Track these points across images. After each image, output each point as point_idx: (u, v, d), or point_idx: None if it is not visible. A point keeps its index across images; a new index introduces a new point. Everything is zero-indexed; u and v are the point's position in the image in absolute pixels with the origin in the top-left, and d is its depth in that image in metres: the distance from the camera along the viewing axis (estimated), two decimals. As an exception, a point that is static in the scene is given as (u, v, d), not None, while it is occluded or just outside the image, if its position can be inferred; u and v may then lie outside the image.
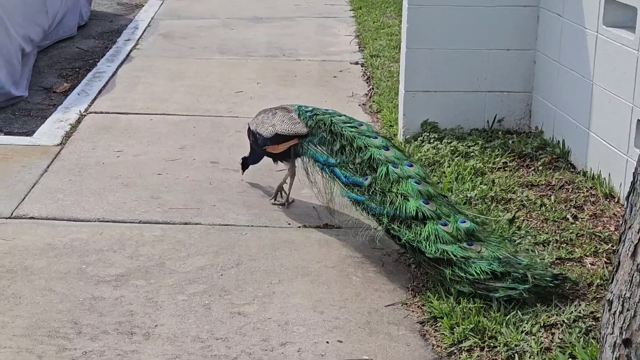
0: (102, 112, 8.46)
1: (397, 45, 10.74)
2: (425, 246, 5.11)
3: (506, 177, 6.57)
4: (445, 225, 5.18)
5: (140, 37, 11.63)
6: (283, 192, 6.47)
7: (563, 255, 5.45)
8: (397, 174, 5.46)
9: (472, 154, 6.95)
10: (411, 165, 5.56)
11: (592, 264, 5.36)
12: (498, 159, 6.87)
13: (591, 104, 6.48)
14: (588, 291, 5.08)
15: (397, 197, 5.33)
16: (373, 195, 5.44)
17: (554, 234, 5.72)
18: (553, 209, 6.07)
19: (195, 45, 11.23)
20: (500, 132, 7.39)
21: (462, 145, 7.07)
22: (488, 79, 7.43)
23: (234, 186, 6.80)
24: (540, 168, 6.76)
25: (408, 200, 5.30)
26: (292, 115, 6.12)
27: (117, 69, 10.02)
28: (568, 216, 5.96)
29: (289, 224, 6.19)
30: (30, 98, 9.17)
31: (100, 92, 9.15)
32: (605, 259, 5.39)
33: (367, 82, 9.67)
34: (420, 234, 5.15)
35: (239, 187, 6.79)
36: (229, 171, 7.07)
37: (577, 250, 5.52)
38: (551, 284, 4.94)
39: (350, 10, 13.49)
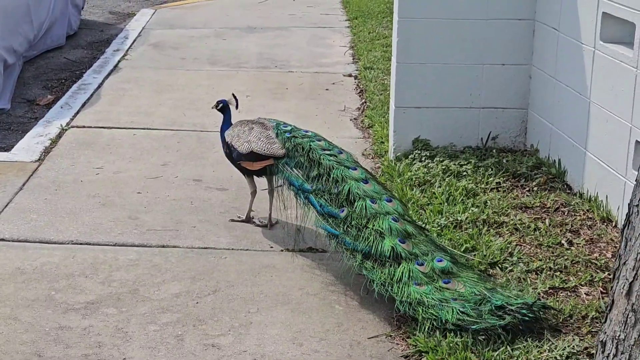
0: (84, 127, 8.20)
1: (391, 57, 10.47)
2: (397, 291, 4.88)
3: (499, 198, 6.29)
4: (421, 264, 4.95)
5: (129, 47, 11.36)
6: (253, 213, 6.25)
7: (557, 284, 5.18)
8: (374, 210, 5.21)
9: (464, 173, 6.68)
10: (390, 201, 5.31)
11: (587, 294, 5.09)
12: (491, 178, 6.59)
13: (588, 123, 6.21)
14: (582, 324, 4.80)
15: (373, 233, 5.10)
16: (348, 229, 5.20)
17: (547, 260, 5.45)
18: (547, 233, 5.79)
19: (185, 56, 10.97)
20: (494, 150, 7.12)
21: (454, 164, 6.80)
22: (482, 95, 7.16)
23: (216, 206, 6.53)
24: (535, 189, 6.48)
25: (384, 238, 5.06)
26: (270, 133, 5.85)
27: (103, 81, 9.76)
28: (563, 241, 5.68)
29: (272, 247, 5.92)
30: (13, 111, 8.92)
31: (84, 105, 8.88)
32: (601, 289, 5.12)
33: (359, 96, 9.40)
34: (394, 276, 4.92)
35: (221, 206, 6.52)
36: (211, 190, 6.81)
37: (571, 278, 5.24)
38: (528, 316, 4.66)
39: (346, 20, 13.24)
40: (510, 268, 5.37)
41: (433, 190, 6.46)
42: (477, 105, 7.18)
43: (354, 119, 8.66)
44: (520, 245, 5.66)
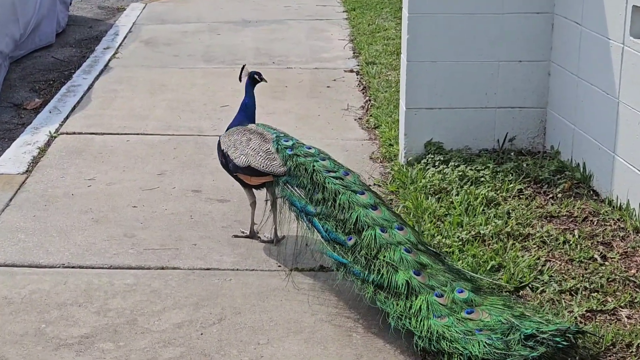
0: (74, 133, 7.73)
1: (394, 51, 10.04)
2: (415, 325, 4.44)
3: (522, 207, 5.86)
4: (440, 296, 4.50)
5: (120, 45, 10.89)
6: (267, 228, 5.79)
7: (594, 307, 4.74)
8: (384, 240, 4.77)
9: (482, 179, 6.24)
10: (401, 229, 4.86)
11: (628, 318, 4.65)
12: (512, 185, 6.16)
13: (617, 125, 5.77)
14: (627, 354, 4.37)
15: (385, 265, 4.66)
16: (357, 257, 4.78)
17: (581, 278, 5.01)
18: (578, 246, 5.36)
19: (178, 53, 10.50)
20: (512, 153, 6.68)
21: (471, 169, 6.36)
22: (498, 94, 6.71)
23: (218, 220, 6.08)
24: (560, 195, 6.05)
25: (397, 271, 4.62)
26: (269, 147, 5.40)
27: (93, 82, 9.29)
28: (596, 256, 5.25)
29: (280, 266, 5.48)
30: (-1, 116, 8.46)
31: (74, 108, 8.41)
32: (644, 311, 4.69)
33: (363, 93, 8.95)
34: (411, 309, 4.49)
35: (222, 220, 6.07)
36: (212, 201, 6.36)
37: (609, 299, 4.81)
38: (562, 344, 4.20)
39: (344, 11, 12.78)
40: (541, 288, 4.94)
41: (450, 199, 6.02)
42: (492, 105, 6.74)
43: (359, 118, 8.21)
44: (550, 261, 5.23)
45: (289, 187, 5.22)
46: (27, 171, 6.89)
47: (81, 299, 5.07)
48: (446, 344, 4.31)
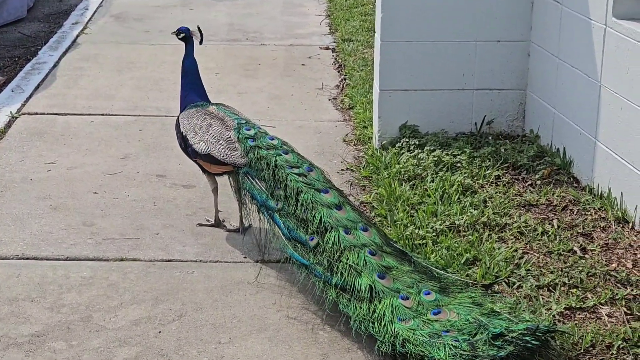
0: (36, 113, 7.43)
1: (371, 27, 9.73)
2: (378, 329, 4.20)
3: (499, 195, 5.61)
4: (405, 299, 4.27)
5: (89, 20, 10.56)
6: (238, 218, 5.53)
7: (573, 304, 4.51)
8: (348, 242, 4.53)
9: (458, 165, 6.00)
10: (366, 230, 4.61)
11: (609, 316, 4.42)
12: (489, 171, 5.91)
13: (599, 110, 5.52)
14: (607, 356, 4.13)
15: (347, 269, 4.42)
16: (319, 259, 4.54)
17: (560, 273, 4.77)
18: (557, 238, 5.12)
19: (150, 29, 10.19)
20: (490, 137, 6.43)
21: (447, 154, 6.10)
22: (475, 75, 6.46)
23: (182, 207, 5.82)
24: (539, 182, 5.81)
25: (360, 274, 4.39)
26: (230, 135, 5.14)
27: (59, 59, 8.97)
28: (575, 248, 5.01)
29: (245, 257, 5.22)
30: (-40, 95, 8.14)
31: (37, 87, 8.10)
32: (625, 309, 4.45)
33: (338, 71, 8.68)
34: (374, 313, 4.25)
35: (187, 207, 5.81)
36: (177, 187, 6.09)
37: (589, 296, 4.57)
38: (532, 343, 3.95)
39: (321, -15, 12.43)
40: (518, 283, 4.69)
41: (425, 186, 5.77)
42: (470, 87, 6.48)
43: (333, 98, 7.94)
44: (528, 254, 4.99)
45: (250, 178, 5.00)
46: (-16, 154, 6.60)
47: (34, 294, 4.81)
48: (411, 347, 4.08)
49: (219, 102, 5.59)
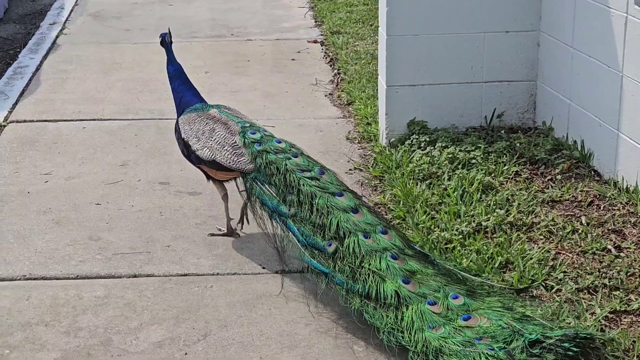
0: (25, 121, 7.14)
1: (359, 19, 9.56)
2: (408, 339, 3.99)
3: (522, 192, 5.41)
4: (433, 304, 4.07)
5: (67, 19, 10.26)
6: (241, 219, 5.35)
7: (617, 307, 4.32)
8: (368, 247, 4.32)
9: (474, 161, 5.79)
10: (385, 232, 4.41)
11: (657, 319, 4.24)
12: (507, 167, 5.71)
13: (621, 100, 5.34)
14: (662, 363, 3.96)
15: (371, 275, 4.22)
16: (339, 265, 4.33)
17: (598, 274, 4.59)
18: (588, 236, 4.94)
19: (130, 27, 9.90)
20: (502, 131, 6.23)
21: (461, 150, 5.90)
22: (484, 68, 6.26)
23: (190, 216, 5.58)
24: (559, 177, 5.62)
25: (384, 280, 4.18)
26: (236, 140, 4.94)
27: (41, 62, 8.67)
28: (609, 246, 4.83)
29: (264, 267, 4.99)
30: (-60, 103, 7.82)
31: (22, 93, 7.81)
32: (673, 311, 4.28)
33: (330, 66, 8.45)
34: (402, 321, 4.05)
35: (196, 216, 5.57)
36: (182, 194, 5.84)
37: (633, 298, 4.39)
38: (573, 350, 3.77)
39: (300, -24, 12.18)
40: (556, 287, 4.50)
41: (443, 185, 5.57)
42: (479, 80, 6.29)
43: (329, 94, 7.72)
44: (561, 254, 4.80)
45: (259, 184, 4.79)
46: (-24, 167, 6.31)
47: (47, 317, 4.55)
48: (445, 358, 3.87)
49: (219, 104, 5.36)
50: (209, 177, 5.21)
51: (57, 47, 9.14)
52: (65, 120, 7.13)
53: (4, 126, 7.01)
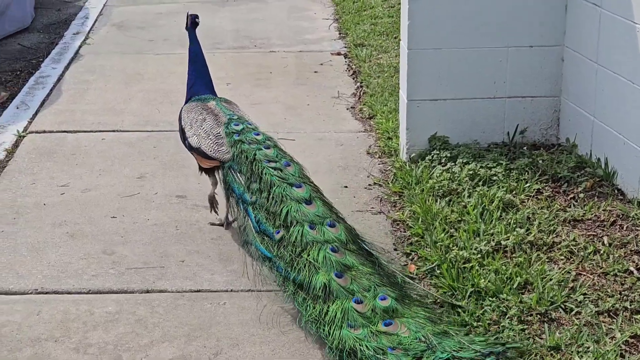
0: (44, 131, 7.10)
1: (383, 32, 9.46)
2: (327, 332, 4.07)
3: (543, 211, 5.31)
4: (359, 302, 4.11)
5: (90, 29, 10.23)
6: (217, 209, 5.55)
7: (638, 332, 4.20)
8: (312, 237, 4.44)
9: (495, 178, 5.69)
10: (333, 226, 4.52)
11: (680, 345, 4.13)
12: (528, 184, 5.61)
13: (646, 118, 5.23)
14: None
15: (307, 264, 4.33)
16: (283, 253, 4.47)
17: (619, 296, 4.48)
18: (610, 257, 4.82)
19: (154, 37, 9.86)
20: (525, 147, 6.12)
21: (482, 166, 5.80)
22: (507, 83, 6.16)
23: (206, 231, 5.51)
24: (582, 195, 5.51)
25: (318, 271, 4.27)
26: (220, 131, 5.19)
27: (63, 72, 8.64)
28: (631, 268, 4.72)
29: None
30: (-39, 113, 7.81)
31: (43, 103, 7.77)
32: (696, 337, 4.16)
33: (353, 78, 8.36)
34: (326, 314, 4.11)
35: (212, 231, 5.50)
36: (199, 208, 5.78)
37: (655, 322, 4.28)
38: None
39: (326, -13, 12.12)
40: (576, 309, 4.39)
41: (463, 203, 5.47)
42: (501, 95, 6.18)
43: (351, 107, 7.63)
44: (581, 275, 4.69)
45: (232, 172, 5.02)
46: (-7, 178, 6.28)
47: (57, 333, 4.49)
48: (357, 348, 3.92)
49: (220, 97, 5.61)
50: (200, 169, 5.41)
51: (80, 57, 9.12)
52: (84, 131, 7.09)
53: (23, 137, 6.97)
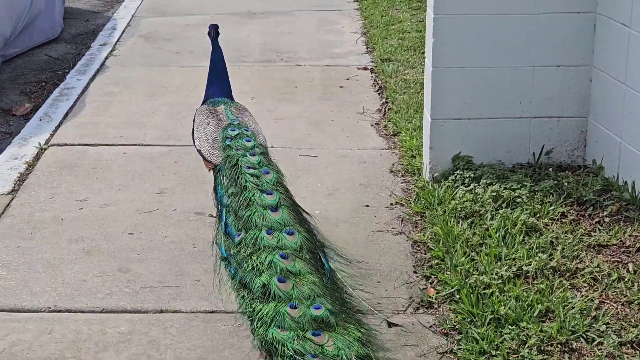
0: (66, 144, 7.06)
1: (411, 46, 9.36)
2: (255, 326, 4.05)
3: (567, 235, 5.19)
4: (294, 307, 4.06)
5: (117, 41, 10.21)
6: None
7: (662, 365, 4.08)
8: (266, 243, 4.40)
9: (518, 200, 5.58)
10: (291, 234, 4.48)
11: None
12: (553, 207, 5.49)
13: (674, 142, 5.10)
14: None
15: (254, 267, 4.30)
16: (237, 254, 4.47)
17: (643, 327, 4.35)
18: (635, 285, 4.70)
19: (180, 49, 9.82)
20: (550, 169, 6.01)
21: (506, 188, 5.70)
22: (533, 102, 6.04)
23: (224, 249, 5.42)
24: (607, 220, 5.38)
25: (260, 274, 4.25)
26: (217, 135, 5.28)
27: (88, 84, 8.61)
28: (657, 297, 4.59)
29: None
30: (-16, 124, 7.81)
31: (66, 115, 7.74)
32: None
33: (379, 94, 8.27)
34: (259, 313, 4.09)
35: (229, 249, 5.41)
36: (217, 226, 5.69)
37: (680, 356, 4.15)
38: None
39: (354, 1, 12.05)
40: (598, 340, 4.27)
41: (485, 225, 5.36)
42: (527, 115, 6.07)
43: (376, 123, 7.54)
44: (604, 303, 4.57)
45: (220, 174, 5.07)
46: (12, 191, 6.24)
47: (68, 353, 4.43)
48: (278, 346, 3.90)
49: (232, 102, 5.67)
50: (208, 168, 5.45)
51: (106, 69, 9.09)
52: (106, 145, 7.04)
53: (45, 149, 6.94)
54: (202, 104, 5.69)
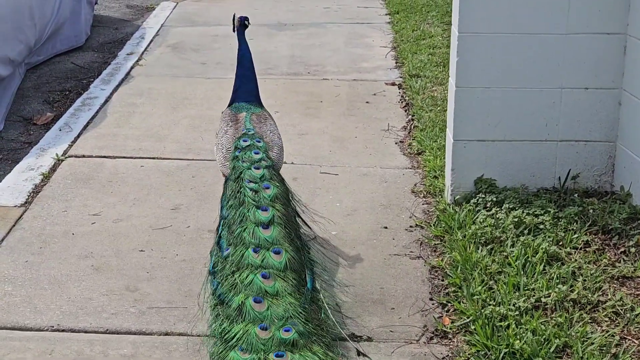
0: (83, 156, 6.96)
1: (440, 62, 9.19)
2: (214, 351, 4.00)
3: (590, 266, 5.00)
4: (264, 329, 3.99)
5: (145, 50, 10.13)
6: None
7: (683, 409, 3.88)
8: (250, 261, 4.36)
9: (541, 227, 5.39)
10: (278, 253, 4.43)
11: None
12: (576, 235, 5.30)
13: None
14: None
15: (235, 286, 4.26)
16: (221, 270, 4.45)
17: (666, 367, 4.16)
18: (659, 321, 4.50)
19: (207, 60, 9.72)
20: (576, 194, 5.81)
21: (529, 213, 5.51)
22: (560, 125, 5.86)
23: (236, 269, 5.28)
24: (633, 250, 5.18)
25: (238, 293, 4.22)
26: (230, 145, 5.26)
27: (111, 94, 8.53)
28: (681, 334, 4.39)
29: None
30: (5, 132, 7.72)
31: (86, 126, 7.65)
32: None
33: (405, 111, 8.11)
34: (227, 333, 4.03)
35: (241, 270, 5.26)
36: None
37: (701, 398, 3.95)
38: None
39: (386, 14, 11.92)
40: (612, 380, 4.09)
41: (505, 252, 5.18)
42: (553, 138, 5.89)
43: (400, 141, 7.38)
44: (626, 340, 4.37)
45: (227, 184, 5.06)
46: (25, 203, 6.13)
47: (68, 376, 4.30)
48: None
49: (259, 109, 5.58)
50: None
51: (130, 79, 9.00)
52: (123, 157, 6.94)
53: (62, 160, 6.84)
54: (227, 106, 5.66)
